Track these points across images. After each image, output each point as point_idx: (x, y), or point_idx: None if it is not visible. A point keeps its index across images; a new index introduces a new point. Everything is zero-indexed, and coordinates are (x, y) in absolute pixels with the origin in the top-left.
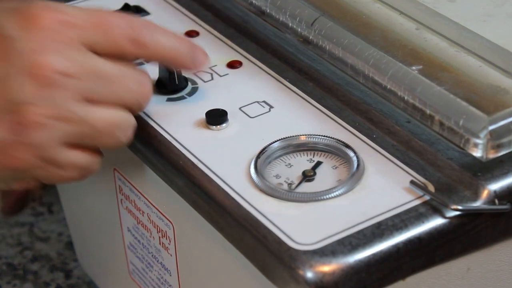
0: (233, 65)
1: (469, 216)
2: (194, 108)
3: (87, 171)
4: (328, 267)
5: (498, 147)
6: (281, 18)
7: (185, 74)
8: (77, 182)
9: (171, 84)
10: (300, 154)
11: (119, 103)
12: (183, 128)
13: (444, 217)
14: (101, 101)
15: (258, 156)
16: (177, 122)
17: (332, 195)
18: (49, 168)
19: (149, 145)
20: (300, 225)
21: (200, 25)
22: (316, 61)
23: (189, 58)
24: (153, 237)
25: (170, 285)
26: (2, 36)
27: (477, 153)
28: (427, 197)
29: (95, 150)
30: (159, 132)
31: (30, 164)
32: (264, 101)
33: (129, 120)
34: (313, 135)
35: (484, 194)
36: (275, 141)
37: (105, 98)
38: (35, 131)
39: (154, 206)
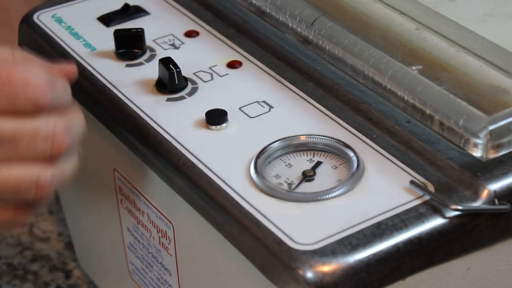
0: (233, 65)
1: (469, 216)
2: (194, 108)
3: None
4: (328, 267)
5: (498, 147)
6: (281, 18)
7: (185, 74)
8: (77, 182)
9: (171, 84)
10: (300, 154)
11: (30, 162)
12: (183, 128)
13: (444, 217)
14: (7, 161)
15: (258, 156)
16: (177, 122)
17: (332, 195)
18: None
19: (149, 145)
20: (300, 225)
21: (200, 25)
22: (316, 61)
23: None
24: (153, 237)
25: (170, 285)
26: None
27: (477, 153)
28: (427, 197)
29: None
30: (159, 132)
31: None
32: (264, 101)
33: (49, 177)
34: (313, 135)
35: (484, 194)
36: (275, 141)
37: (10, 159)
38: None
39: (154, 206)
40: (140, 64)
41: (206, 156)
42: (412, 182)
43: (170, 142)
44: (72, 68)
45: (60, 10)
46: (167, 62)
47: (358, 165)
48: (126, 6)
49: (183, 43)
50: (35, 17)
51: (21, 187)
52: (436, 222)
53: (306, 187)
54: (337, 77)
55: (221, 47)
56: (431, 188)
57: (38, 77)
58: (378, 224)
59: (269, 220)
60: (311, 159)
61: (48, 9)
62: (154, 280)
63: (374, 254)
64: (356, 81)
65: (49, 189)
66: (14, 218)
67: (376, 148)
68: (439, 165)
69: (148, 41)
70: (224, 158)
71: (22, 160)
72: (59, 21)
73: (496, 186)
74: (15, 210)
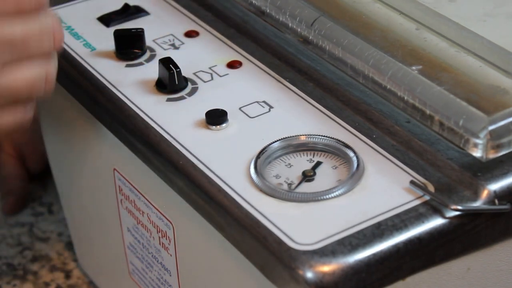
0: (233, 65)
1: (469, 216)
2: (194, 108)
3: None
4: (328, 267)
5: (498, 147)
6: (281, 18)
7: (185, 74)
8: (77, 182)
9: (171, 84)
10: (300, 154)
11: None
12: (183, 128)
13: (444, 217)
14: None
15: (258, 156)
16: (177, 122)
17: (332, 195)
18: None
19: (149, 145)
20: (300, 225)
21: (200, 25)
22: (316, 61)
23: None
24: (153, 237)
25: (170, 285)
26: None
27: (477, 153)
28: (427, 197)
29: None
30: (159, 132)
31: None
32: (264, 101)
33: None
34: (313, 135)
35: (484, 194)
36: (275, 141)
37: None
38: None
39: (154, 206)
40: (140, 64)
41: (206, 156)
42: (412, 182)
43: (170, 142)
44: None
45: (60, 10)
46: (167, 62)
47: (358, 165)
48: (126, 6)
49: (183, 43)
50: None
51: (34, 85)
52: (436, 222)
53: (306, 187)
54: (337, 77)
55: (221, 47)
56: (431, 188)
57: None
58: (378, 224)
59: (269, 220)
60: (311, 159)
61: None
62: (154, 280)
63: (374, 254)
64: (356, 81)
65: (54, 81)
66: (24, 116)
67: (376, 148)
68: (439, 165)
69: (148, 41)
70: (224, 158)
71: (31, 58)
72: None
73: (496, 186)
74: (25, 108)
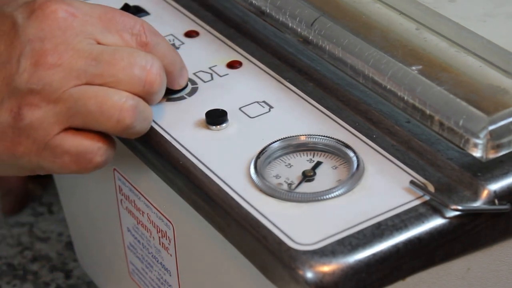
0: (233, 65)
1: (469, 216)
2: (194, 108)
3: (85, 160)
4: (328, 267)
5: (498, 147)
6: (281, 18)
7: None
8: (77, 182)
9: None
10: (300, 154)
11: (120, 87)
12: (183, 128)
13: (444, 217)
14: (100, 83)
15: (258, 156)
16: (177, 122)
17: (332, 195)
18: (43, 154)
19: (149, 145)
20: (300, 225)
21: (200, 25)
22: (316, 61)
23: (179, 73)
24: (153, 237)
25: (170, 285)
26: (13, 24)
27: (477, 153)
28: (427, 197)
29: (98, 136)
30: (159, 132)
31: (27, 149)
32: (264, 101)
33: (134, 104)
34: (313, 135)
35: (484, 194)
36: (275, 141)
37: (104, 80)
38: (30, 113)
39: (154, 206)
40: None
41: (206, 156)
42: (412, 182)
43: (170, 142)
44: None
45: None
46: None
47: (358, 165)
48: (126, 6)
49: (183, 43)
50: None
51: (106, 109)
52: (436, 222)
53: (306, 187)
54: (337, 77)
55: (221, 47)
56: (431, 188)
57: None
58: (378, 224)
59: (269, 220)
60: (311, 159)
61: None
62: (154, 280)
63: (374, 254)
64: (356, 81)
65: (132, 118)
66: (91, 148)
67: (376, 148)
68: (439, 165)
69: None
70: (224, 158)
71: (120, 86)
72: None
73: (496, 186)
74: (94, 139)
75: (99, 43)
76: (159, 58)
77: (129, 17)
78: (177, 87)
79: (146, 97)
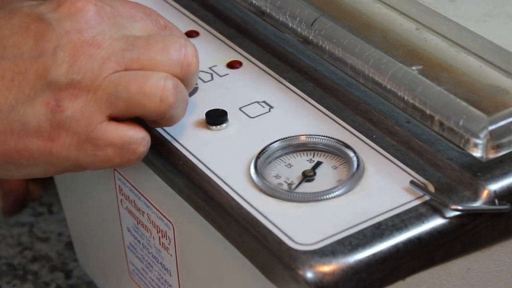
0: (233, 65)
1: (469, 216)
2: (194, 108)
3: (128, 152)
4: (328, 267)
5: (498, 147)
6: (281, 18)
7: None
8: (77, 182)
9: None
10: (300, 154)
11: (158, 68)
12: (183, 128)
13: (444, 217)
14: (138, 67)
15: (258, 156)
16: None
17: (332, 195)
18: (85, 148)
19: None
20: (300, 225)
21: (200, 25)
22: (316, 61)
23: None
24: (153, 237)
25: (170, 285)
26: (41, 20)
27: (477, 153)
28: (427, 197)
29: (140, 126)
30: (159, 132)
31: (66, 144)
32: (264, 101)
33: (174, 83)
34: (313, 135)
35: (484, 194)
36: (275, 141)
37: (142, 64)
38: (71, 104)
39: (154, 206)
40: None
41: (206, 156)
42: (412, 182)
43: (170, 142)
44: None
45: None
46: None
47: (358, 165)
48: None
49: None
50: None
51: (148, 90)
52: (436, 222)
53: (306, 187)
54: (337, 77)
55: (221, 47)
56: (431, 188)
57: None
58: (378, 224)
59: (269, 220)
60: (311, 159)
61: None
62: (154, 280)
63: (374, 254)
64: (356, 81)
65: (175, 96)
66: (134, 137)
67: (376, 148)
68: (439, 165)
69: None
70: (224, 158)
71: (153, 66)
72: None
73: (496, 186)
74: (136, 128)
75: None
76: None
77: (141, 5)
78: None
79: (184, 79)
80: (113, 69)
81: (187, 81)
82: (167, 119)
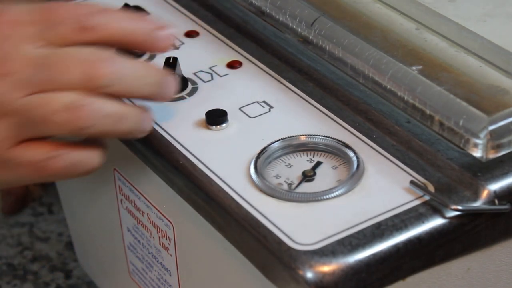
0: (233, 65)
1: (469, 216)
2: (194, 108)
3: (42, 169)
4: (328, 267)
5: (498, 147)
6: (281, 18)
7: (185, 74)
8: (77, 182)
9: None
10: (300, 154)
11: (65, 88)
12: (183, 128)
13: (444, 217)
14: (51, 88)
15: (258, 156)
16: (177, 122)
17: (332, 195)
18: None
19: (149, 145)
20: (300, 225)
21: (200, 25)
22: (316, 61)
23: (148, 39)
24: (153, 237)
25: (170, 285)
26: None
27: (477, 153)
28: (427, 197)
29: (56, 144)
30: (159, 132)
31: None
32: (264, 101)
33: (86, 103)
34: (313, 135)
35: (484, 194)
36: (275, 141)
37: (53, 85)
38: None
39: (154, 206)
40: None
41: (206, 156)
42: (412, 182)
43: (170, 142)
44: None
45: None
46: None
47: (358, 165)
48: (126, 6)
49: (183, 43)
50: None
51: (57, 115)
52: (436, 222)
53: (306, 187)
54: (337, 77)
55: (221, 47)
56: (431, 188)
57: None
58: (378, 224)
59: (269, 220)
60: (311, 159)
61: None
62: (154, 280)
63: (374, 254)
64: (356, 81)
65: (87, 118)
66: (50, 156)
67: (376, 148)
68: (439, 165)
69: None
70: (224, 158)
71: (64, 85)
72: None
73: (496, 186)
74: (51, 148)
75: (46, 43)
76: (111, 35)
77: (67, 6)
78: (159, 50)
79: (102, 91)
80: (23, 93)
81: (111, 89)
82: (96, 135)
